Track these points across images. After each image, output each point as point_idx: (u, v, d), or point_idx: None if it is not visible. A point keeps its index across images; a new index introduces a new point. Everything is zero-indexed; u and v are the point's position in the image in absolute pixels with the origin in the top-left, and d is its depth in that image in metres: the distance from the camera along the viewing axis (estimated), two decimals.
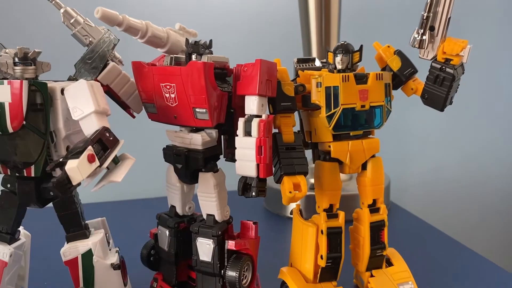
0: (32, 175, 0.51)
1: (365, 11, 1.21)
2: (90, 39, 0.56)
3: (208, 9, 1.14)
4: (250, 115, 0.52)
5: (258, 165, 0.51)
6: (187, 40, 0.57)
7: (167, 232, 0.60)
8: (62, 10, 0.56)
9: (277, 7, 1.18)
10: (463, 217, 1.35)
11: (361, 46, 0.58)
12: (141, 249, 0.63)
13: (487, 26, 1.27)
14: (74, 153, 0.45)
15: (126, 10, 0.57)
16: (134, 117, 0.62)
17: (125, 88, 0.59)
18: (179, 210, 0.60)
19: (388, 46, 0.61)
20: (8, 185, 0.54)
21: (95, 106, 0.49)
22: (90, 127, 0.49)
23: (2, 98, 0.48)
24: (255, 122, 0.51)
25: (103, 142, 0.47)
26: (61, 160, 0.45)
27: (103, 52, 0.54)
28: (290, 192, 0.51)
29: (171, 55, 0.58)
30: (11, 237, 0.55)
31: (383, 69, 0.61)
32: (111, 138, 0.48)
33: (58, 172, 0.52)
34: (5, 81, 0.49)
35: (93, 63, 0.54)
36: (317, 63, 0.62)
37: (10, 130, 0.49)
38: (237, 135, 0.52)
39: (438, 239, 0.85)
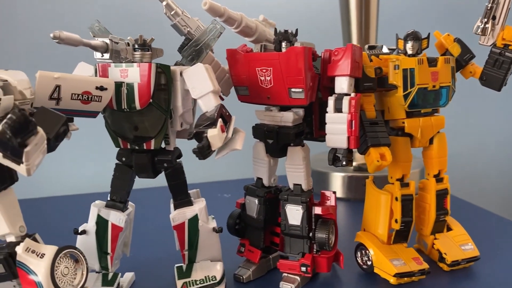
0: (152, 148, 0.58)
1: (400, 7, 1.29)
2: (188, 29, 0.63)
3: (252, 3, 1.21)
4: (340, 93, 0.59)
5: (348, 138, 0.58)
6: (275, 29, 0.64)
7: (256, 201, 0.67)
8: (164, 3, 0.63)
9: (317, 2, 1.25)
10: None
11: (429, 34, 0.65)
12: (227, 220, 0.70)
13: None
14: (206, 125, 0.52)
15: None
16: (223, 99, 0.69)
17: (217, 73, 0.66)
18: (265, 182, 0.67)
19: (448, 35, 0.68)
20: (123, 159, 0.61)
21: (212, 86, 0.56)
22: (208, 104, 0.56)
23: (131, 79, 0.55)
24: (346, 100, 0.58)
25: (223, 117, 0.54)
26: (195, 131, 0.52)
27: (209, 40, 0.61)
28: (378, 161, 0.59)
29: (261, 44, 0.65)
30: (123, 205, 0.62)
31: (443, 55, 0.68)
32: (227, 114, 0.55)
33: (172, 145, 0.60)
34: (135, 64, 0.55)
35: (199, 50, 0.61)
36: (384, 49, 0.70)
37: (138, 107, 0.56)
38: (326, 112, 0.60)
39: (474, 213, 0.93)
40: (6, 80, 0.45)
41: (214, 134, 0.51)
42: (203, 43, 0.61)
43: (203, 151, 0.50)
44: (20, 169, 0.41)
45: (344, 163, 0.59)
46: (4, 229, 0.47)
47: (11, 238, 0.47)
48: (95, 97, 0.52)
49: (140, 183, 0.66)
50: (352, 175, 1.04)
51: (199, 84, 0.56)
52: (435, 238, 0.69)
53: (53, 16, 1.16)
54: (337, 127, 0.58)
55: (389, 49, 0.70)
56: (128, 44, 0.60)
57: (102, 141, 0.66)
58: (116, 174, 0.62)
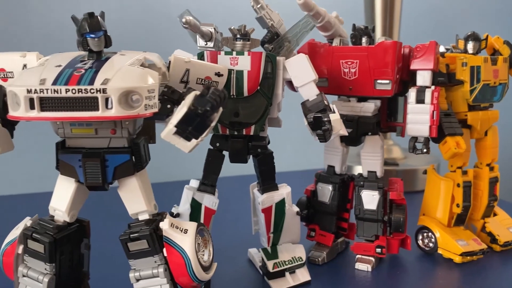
0: (251, 133, 0.61)
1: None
2: (272, 22, 0.66)
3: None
4: (422, 86, 0.64)
5: (430, 127, 0.63)
6: (354, 25, 0.69)
7: (330, 187, 0.70)
8: None
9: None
10: None
11: (487, 35, 0.72)
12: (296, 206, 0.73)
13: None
14: (319, 111, 0.55)
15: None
16: (296, 91, 0.72)
17: None
18: (337, 169, 0.71)
19: (498, 37, 0.75)
20: (217, 144, 0.63)
21: (314, 76, 0.59)
22: (310, 93, 0.59)
23: (242, 67, 0.58)
24: (429, 92, 0.63)
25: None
26: (314, 116, 0.55)
27: (301, 33, 0.64)
28: (455, 148, 0.64)
29: (340, 38, 0.69)
30: (214, 189, 0.64)
31: (492, 55, 0.75)
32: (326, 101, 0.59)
33: (266, 132, 0.63)
34: (245, 53, 0.58)
35: (292, 41, 0.64)
36: (442, 48, 0.76)
37: (245, 94, 0.58)
38: (408, 103, 0.65)
39: None
40: (152, 62, 0.47)
41: (337, 118, 0.54)
42: (294, 35, 0.64)
43: (327, 135, 0.54)
44: (187, 145, 0.43)
45: (425, 150, 0.64)
46: (141, 206, 0.48)
47: (144, 216, 0.49)
48: (214, 82, 0.54)
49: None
50: None
51: (301, 74, 0.59)
52: (485, 222, 0.75)
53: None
54: (420, 117, 0.63)
55: (445, 48, 0.76)
56: (221, 34, 0.63)
57: None
58: (209, 159, 0.63)
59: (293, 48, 0.64)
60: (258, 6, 0.65)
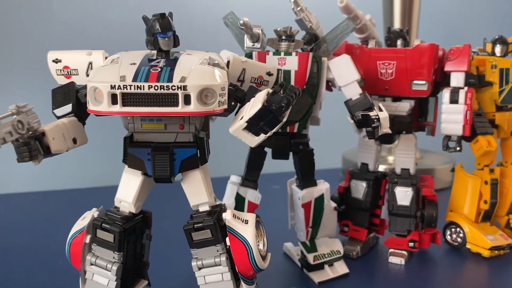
0: (295, 131, 0.63)
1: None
2: (310, 24, 0.69)
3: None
4: (455, 87, 0.67)
5: (463, 126, 0.66)
6: (388, 28, 0.71)
7: (365, 184, 0.73)
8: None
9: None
10: None
11: None
12: None
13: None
14: (365, 109, 0.58)
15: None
16: (331, 90, 0.75)
17: None
18: (371, 167, 0.74)
19: None
20: None
21: (358, 75, 0.62)
22: (353, 92, 0.62)
23: (289, 67, 0.60)
24: (462, 93, 0.66)
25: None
26: (361, 114, 0.58)
27: (341, 35, 0.67)
28: (487, 147, 0.67)
29: (375, 40, 0.72)
30: (256, 184, 0.66)
31: None
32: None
33: (308, 129, 0.65)
34: (293, 53, 0.60)
35: (330, 43, 0.67)
36: None
37: None
38: (442, 103, 0.68)
39: None
40: (216, 61, 0.49)
41: (385, 117, 0.57)
42: (335, 37, 0.67)
43: (376, 132, 0.57)
44: (255, 140, 0.45)
45: (458, 148, 0.67)
46: (203, 198, 0.50)
47: (205, 207, 0.51)
48: (265, 81, 0.56)
49: None
50: (386, 166, 1.12)
51: (345, 73, 0.62)
52: (509, 219, 0.78)
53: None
54: (454, 117, 0.66)
55: (472, 52, 0.79)
56: (265, 35, 0.65)
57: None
58: (251, 155, 0.66)
59: (331, 50, 0.67)
60: (298, 8, 0.67)
